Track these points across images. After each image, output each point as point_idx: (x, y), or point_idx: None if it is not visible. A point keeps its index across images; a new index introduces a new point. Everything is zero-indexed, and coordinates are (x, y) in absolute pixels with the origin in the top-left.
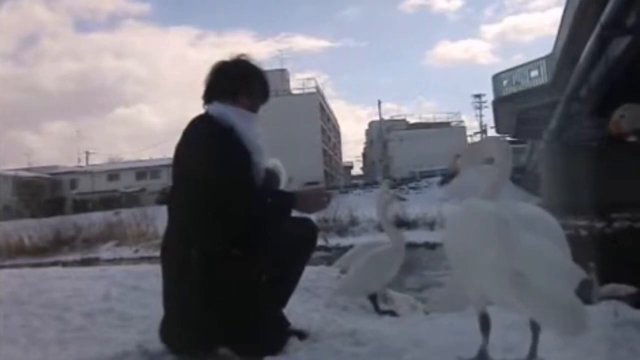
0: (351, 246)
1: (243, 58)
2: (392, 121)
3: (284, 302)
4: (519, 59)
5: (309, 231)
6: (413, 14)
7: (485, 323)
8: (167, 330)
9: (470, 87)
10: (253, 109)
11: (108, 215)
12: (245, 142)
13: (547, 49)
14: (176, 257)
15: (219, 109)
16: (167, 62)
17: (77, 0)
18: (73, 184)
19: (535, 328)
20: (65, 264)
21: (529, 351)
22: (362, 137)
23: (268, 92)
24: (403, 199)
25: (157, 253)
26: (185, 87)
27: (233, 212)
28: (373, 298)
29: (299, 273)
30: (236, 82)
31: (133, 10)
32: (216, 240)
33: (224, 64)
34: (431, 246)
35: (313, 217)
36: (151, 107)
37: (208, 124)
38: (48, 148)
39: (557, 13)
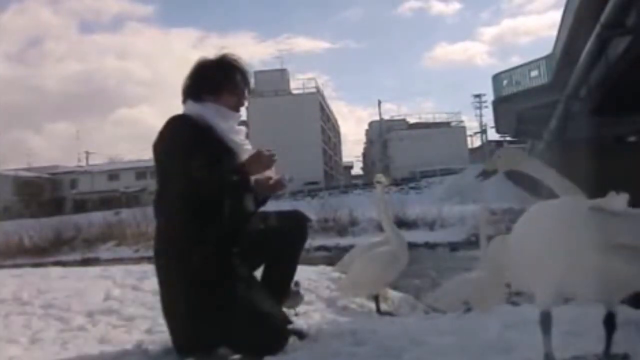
0: (351, 246)
1: (226, 57)
2: (392, 121)
3: (281, 297)
4: (515, 61)
5: (299, 221)
6: (412, 17)
7: (547, 322)
8: (170, 332)
9: (468, 88)
10: (234, 106)
11: (108, 215)
12: (225, 140)
13: (543, 51)
14: (169, 258)
15: (196, 107)
16: (170, 64)
17: (82, 2)
18: (73, 184)
19: (609, 327)
20: (65, 264)
21: (603, 351)
22: (362, 137)
23: (249, 88)
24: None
25: None
26: None
27: (221, 211)
28: (375, 298)
29: (294, 265)
30: (219, 79)
31: (136, 13)
32: (208, 241)
33: (207, 62)
34: (431, 246)
35: (314, 217)
36: (153, 108)
37: (185, 123)
38: (51, 148)
39: (553, 16)
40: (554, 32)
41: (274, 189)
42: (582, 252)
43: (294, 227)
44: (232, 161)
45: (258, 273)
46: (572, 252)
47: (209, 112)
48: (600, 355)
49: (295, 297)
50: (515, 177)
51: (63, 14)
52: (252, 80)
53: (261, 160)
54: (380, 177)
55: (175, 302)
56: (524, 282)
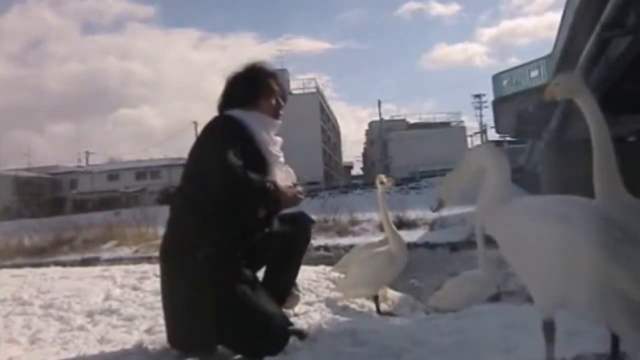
0: (351, 246)
1: (254, 64)
2: (392, 121)
3: (283, 298)
4: (514, 62)
5: (303, 224)
6: (411, 18)
7: (550, 330)
8: (169, 331)
9: (467, 89)
10: (274, 111)
11: (108, 215)
12: (262, 150)
13: (541, 52)
14: (178, 257)
15: (238, 113)
16: (170, 64)
17: (84, 4)
18: (73, 184)
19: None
20: (65, 264)
21: (610, 351)
22: (362, 137)
23: (284, 90)
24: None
25: (157, 253)
26: (187, 88)
27: (234, 215)
28: (375, 298)
29: (296, 267)
30: (253, 87)
31: (138, 13)
32: (220, 241)
33: (238, 74)
34: (431, 246)
35: (314, 216)
36: (154, 109)
37: (229, 123)
38: (51, 149)
39: (551, 17)
40: (552, 33)
41: (290, 204)
42: (593, 284)
43: (298, 229)
44: (265, 171)
45: (259, 273)
46: (582, 280)
47: (251, 119)
48: (609, 355)
49: (292, 298)
50: (517, 178)
51: (65, 15)
52: (284, 83)
53: (295, 197)
54: (382, 177)
55: (178, 301)
56: (521, 279)
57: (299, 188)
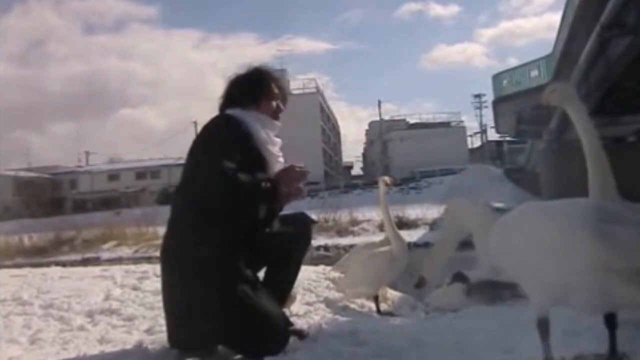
0: (351, 246)
1: (257, 66)
2: (392, 121)
3: (283, 299)
4: (513, 62)
5: (304, 224)
6: (411, 19)
7: (545, 327)
8: (170, 331)
9: (467, 89)
10: (274, 113)
11: (108, 215)
12: (262, 149)
13: (540, 52)
14: (179, 257)
15: (238, 112)
16: (171, 64)
17: (86, 4)
18: (73, 184)
19: (611, 327)
20: (65, 264)
21: (609, 350)
22: (362, 137)
23: (285, 94)
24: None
25: (157, 253)
26: (187, 88)
27: (235, 214)
28: (375, 298)
29: (297, 267)
30: (255, 89)
31: (139, 14)
32: (221, 240)
33: (240, 75)
34: (431, 246)
35: (314, 216)
36: (154, 109)
37: (228, 122)
38: (51, 149)
39: (550, 18)
40: (550, 34)
41: (293, 197)
42: (585, 268)
43: (299, 229)
44: (265, 171)
45: (260, 274)
46: (575, 266)
47: (251, 119)
48: (607, 354)
49: (288, 298)
50: (517, 178)
51: (67, 15)
52: (287, 86)
53: (292, 174)
54: (387, 179)
55: (178, 301)
56: (516, 280)
57: (302, 185)
